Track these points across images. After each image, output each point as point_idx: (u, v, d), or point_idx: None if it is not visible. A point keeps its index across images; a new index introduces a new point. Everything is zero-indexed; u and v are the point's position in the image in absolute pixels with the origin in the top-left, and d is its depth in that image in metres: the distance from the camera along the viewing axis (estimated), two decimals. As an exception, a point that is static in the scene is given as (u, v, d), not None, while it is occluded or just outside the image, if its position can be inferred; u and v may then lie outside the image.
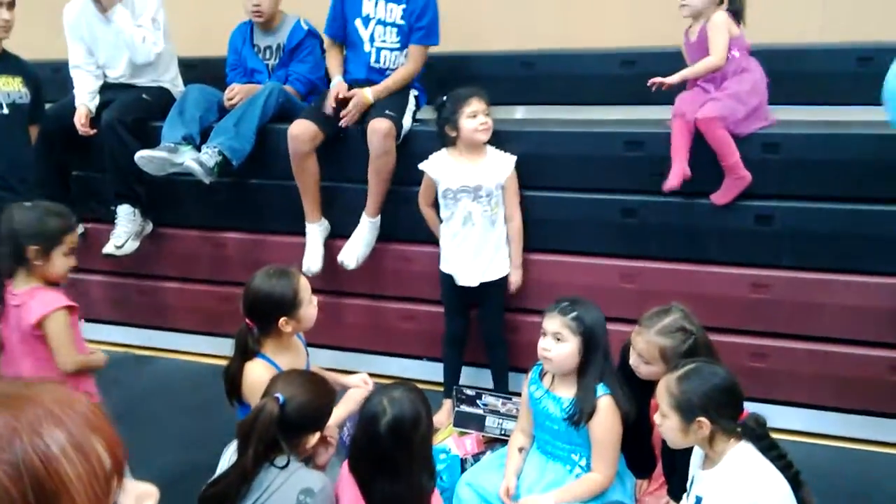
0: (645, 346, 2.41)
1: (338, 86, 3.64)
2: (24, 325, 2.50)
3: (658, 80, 3.21)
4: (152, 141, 3.75)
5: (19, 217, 2.51)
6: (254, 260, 3.92)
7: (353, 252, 3.58)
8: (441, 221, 3.40)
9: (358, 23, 3.70)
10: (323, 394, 2.17)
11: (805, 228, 3.19)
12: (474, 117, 3.21)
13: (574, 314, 2.44)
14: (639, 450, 2.59)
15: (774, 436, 2.24)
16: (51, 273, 2.52)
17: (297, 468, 2.06)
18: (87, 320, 4.38)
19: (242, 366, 2.43)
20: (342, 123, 3.56)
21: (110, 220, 3.96)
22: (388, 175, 3.52)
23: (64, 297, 2.54)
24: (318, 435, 2.13)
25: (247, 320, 2.43)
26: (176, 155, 3.64)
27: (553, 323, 2.46)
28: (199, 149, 3.68)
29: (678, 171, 3.19)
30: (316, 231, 3.70)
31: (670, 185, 3.19)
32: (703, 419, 2.02)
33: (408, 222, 3.59)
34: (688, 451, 2.20)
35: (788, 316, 3.22)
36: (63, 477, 0.71)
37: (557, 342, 2.44)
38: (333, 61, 3.82)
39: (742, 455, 2.04)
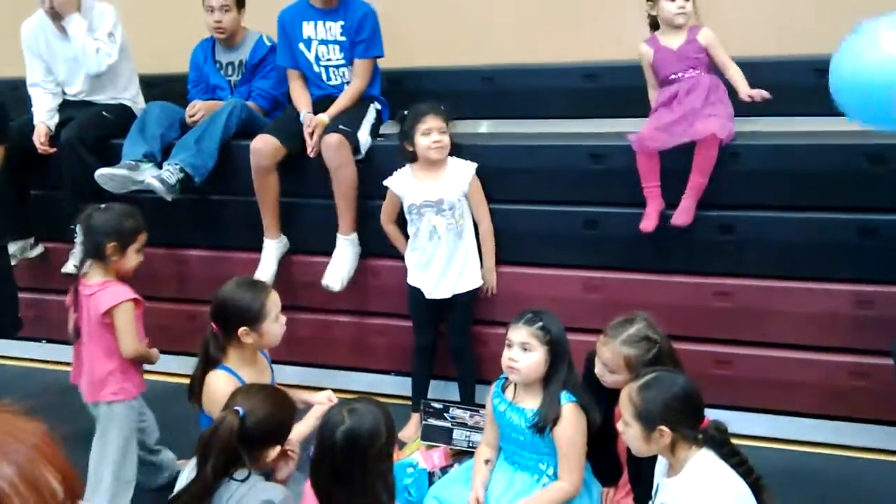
0: (610, 355, 2.42)
1: (306, 120, 3.58)
2: (95, 313, 2.79)
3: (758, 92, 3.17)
4: (113, 159, 3.72)
5: (98, 218, 2.80)
6: (217, 276, 3.85)
7: (337, 273, 3.54)
8: (406, 237, 3.40)
9: (301, 46, 3.71)
10: (283, 407, 2.18)
11: (767, 237, 3.23)
12: (428, 135, 3.21)
13: (540, 324, 2.47)
14: (604, 458, 2.60)
15: (739, 442, 2.26)
16: (124, 267, 2.83)
17: (257, 481, 2.07)
18: (49, 341, 4.35)
19: (206, 372, 2.47)
20: (310, 154, 3.52)
21: (71, 239, 3.90)
22: (350, 189, 3.50)
23: (131, 291, 2.82)
24: (278, 448, 2.14)
25: (212, 324, 2.48)
26: (137, 172, 3.61)
27: (520, 333, 2.48)
28: (160, 166, 3.65)
29: (655, 210, 3.21)
30: (272, 247, 3.67)
31: (649, 227, 3.20)
32: (663, 428, 2.04)
33: (375, 237, 3.58)
34: (653, 459, 2.22)
35: (751, 323, 3.26)
36: None
37: (525, 352, 2.46)
38: (297, 92, 3.77)
39: (703, 462, 2.06)
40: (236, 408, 2.06)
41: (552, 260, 3.51)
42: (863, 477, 3.06)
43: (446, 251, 3.28)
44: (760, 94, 3.15)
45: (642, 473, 2.35)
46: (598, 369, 2.47)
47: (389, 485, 2.02)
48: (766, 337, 3.27)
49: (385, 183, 3.35)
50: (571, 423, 2.44)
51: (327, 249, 3.62)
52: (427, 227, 3.27)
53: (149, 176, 3.57)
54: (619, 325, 2.47)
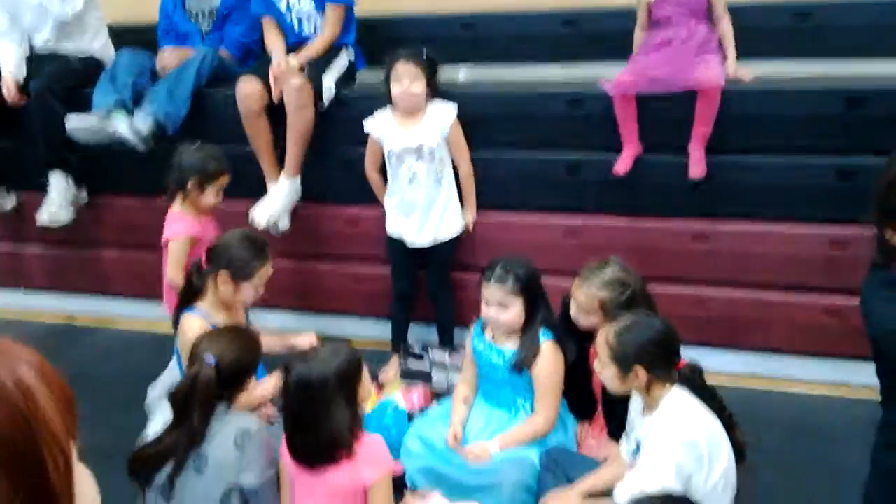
0: (584, 298, 2.45)
1: (275, 62, 3.49)
2: (163, 237, 3.03)
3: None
4: (83, 109, 3.65)
5: (187, 155, 3.00)
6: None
7: (267, 210, 3.46)
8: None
9: None
10: (249, 346, 2.24)
11: (744, 181, 3.24)
12: (399, 82, 3.16)
13: (511, 278, 2.49)
14: (580, 394, 2.64)
15: (713, 379, 2.31)
16: (201, 203, 3.00)
17: (233, 414, 2.14)
18: (27, 289, 4.33)
19: (184, 306, 2.53)
20: (275, 98, 3.45)
21: (44, 189, 3.85)
22: (304, 132, 3.45)
23: (194, 228, 2.99)
24: (252, 380, 2.21)
25: (204, 254, 2.56)
26: (108, 122, 3.55)
27: (494, 293, 2.51)
28: (132, 114, 3.59)
29: (631, 154, 3.20)
30: (273, 191, 3.56)
31: (622, 169, 3.19)
32: (639, 369, 2.07)
33: (351, 185, 3.56)
34: (626, 397, 2.25)
35: (727, 265, 3.29)
36: (39, 404, 0.70)
37: (503, 308, 2.50)
38: (271, 40, 3.68)
39: (676, 400, 2.10)
40: (207, 358, 2.09)
41: (533, 205, 3.51)
42: (835, 412, 3.12)
43: (426, 197, 3.26)
44: (748, 74, 3.22)
45: (616, 410, 2.40)
46: (573, 311, 2.49)
47: (349, 426, 2.04)
48: (742, 278, 3.31)
49: (365, 126, 3.32)
50: (549, 361, 2.47)
51: (312, 195, 3.61)
52: (407, 174, 3.25)
53: (121, 126, 3.51)
54: (593, 269, 2.49)
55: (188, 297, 2.56)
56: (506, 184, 3.50)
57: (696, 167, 3.16)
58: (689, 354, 2.25)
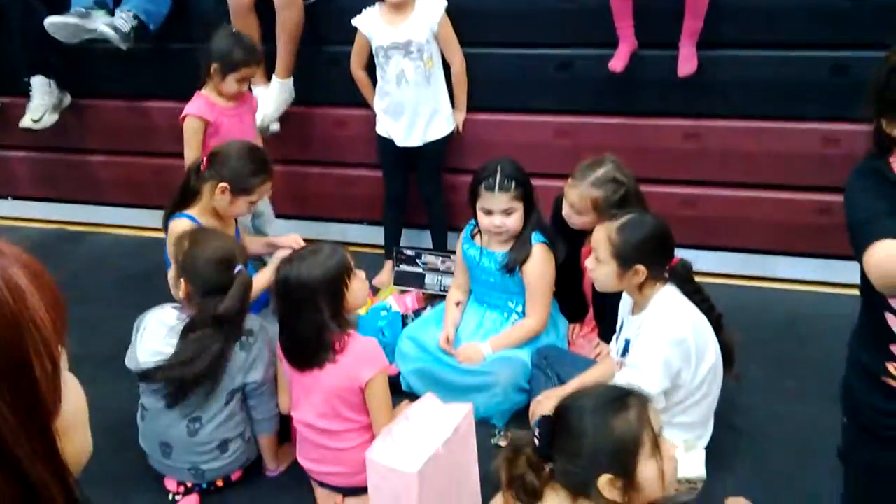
0: (578, 197, 2.44)
1: None
2: None
3: None
4: (62, 8, 3.52)
5: (217, 39, 2.95)
6: (181, 129, 3.80)
7: (258, 113, 3.37)
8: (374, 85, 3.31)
9: None
10: (230, 244, 2.33)
11: (736, 76, 3.18)
12: None
13: (514, 184, 2.48)
14: (571, 296, 2.68)
15: (704, 279, 2.34)
16: (222, 88, 2.94)
17: None
18: (15, 197, 4.30)
19: (176, 207, 2.55)
20: None
21: (26, 93, 3.76)
22: (293, 31, 3.35)
23: (207, 111, 2.94)
24: None
25: (205, 158, 2.57)
26: (88, 20, 3.44)
27: (499, 201, 2.50)
28: (112, 13, 3.47)
29: (626, 50, 3.11)
30: (263, 92, 3.46)
31: (619, 67, 3.11)
32: (639, 266, 2.10)
33: (340, 85, 3.48)
34: (617, 297, 2.29)
35: (718, 164, 3.27)
36: (28, 305, 0.68)
37: (508, 215, 2.49)
38: None
39: (666, 297, 2.14)
40: (239, 270, 2.19)
41: (523, 105, 3.46)
42: (824, 309, 3.17)
43: (415, 97, 3.19)
44: None
45: (607, 311, 2.44)
46: (566, 211, 2.50)
47: (331, 329, 2.10)
48: (733, 177, 3.30)
49: (353, 21, 3.22)
50: (540, 262, 2.50)
51: (299, 97, 3.54)
52: (395, 71, 3.17)
53: (101, 24, 3.40)
54: (586, 168, 2.48)
55: (183, 198, 2.54)
56: (496, 83, 3.42)
57: (686, 64, 3.09)
58: (680, 255, 2.27)
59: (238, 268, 2.18)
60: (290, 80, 3.47)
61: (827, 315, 3.10)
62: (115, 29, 3.38)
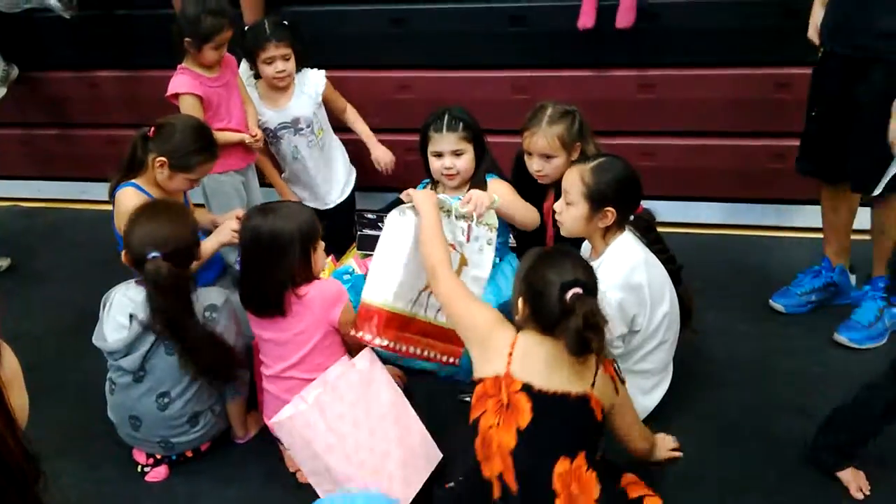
0: (544, 141, 2.43)
1: None
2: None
3: None
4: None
5: (186, 10, 2.81)
6: (133, 98, 3.74)
7: None
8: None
9: None
10: (181, 217, 2.24)
11: (689, 23, 3.20)
12: (271, 63, 3.01)
13: (461, 125, 2.47)
14: (532, 245, 2.69)
15: (664, 230, 2.37)
16: (202, 60, 2.85)
17: (200, 292, 2.20)
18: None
19: (122, 178, 2.47)
20: None
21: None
22: None
23: (198, 88, 2.84)
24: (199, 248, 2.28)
25: (151, 127, 2.47)
26: (29, -11, 3.34)
27: (448, 141, 2.48)
28: (53, -19, 3.38)
29: (592, 4, 3.10)
30: None
31: (588, 24, 3.10)
32: (609, 209, 2.12)
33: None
34: (577, 244, 2.31)
35: (674, 113, 3.30)
36: None
37: (458, 157, 2.48)
38: None
39: (623, 244, 2.17)
40: (149, 253, 2.09)
41: (478, 61, 3.44)
42: (779, 253, 3.25)
43: (313, 168, 3.23)
44: None
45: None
46: (537, 164, 2.47)
47: (298, 276, 2.10)
48: (689, 126, 3.33)
49: None
50: (500, 185, 2.49)
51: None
52: (289, 149, 3.19)
53: (42, -8, 3.31)
54: (535, 114, 2.48)
55: (130, 167, 2.48)
56: (449, 38, 3.40)
57: (626, 15, 3.09)
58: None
59: (152, 254, 2.10)
60: None
61: (783, 259, 3.17)
62: (57, -3, 3.29)
